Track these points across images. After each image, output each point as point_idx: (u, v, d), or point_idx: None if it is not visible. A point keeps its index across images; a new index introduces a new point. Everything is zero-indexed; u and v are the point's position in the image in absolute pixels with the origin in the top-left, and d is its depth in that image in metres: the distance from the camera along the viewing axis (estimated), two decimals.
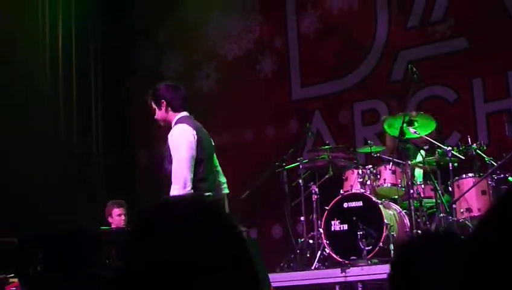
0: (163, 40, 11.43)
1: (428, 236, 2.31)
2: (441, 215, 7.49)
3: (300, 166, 8.35)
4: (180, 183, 5.89)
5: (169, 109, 6.29)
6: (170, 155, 6.06)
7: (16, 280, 6.98)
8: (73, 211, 9.12)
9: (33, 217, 8.62)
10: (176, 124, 6.21)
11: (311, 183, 8.27)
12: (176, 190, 5.87)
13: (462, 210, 7.54)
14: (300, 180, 8.31)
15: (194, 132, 6.10)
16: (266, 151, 10.07)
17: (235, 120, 10.55)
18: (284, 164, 8.60)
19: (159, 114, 6.31)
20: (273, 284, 6.85)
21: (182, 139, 6.06)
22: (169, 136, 6.13)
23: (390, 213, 7.59)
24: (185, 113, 6.30)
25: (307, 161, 8.47)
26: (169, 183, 5.96)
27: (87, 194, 9.91)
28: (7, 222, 8.12)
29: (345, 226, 7.56)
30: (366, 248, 7.22)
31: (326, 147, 8.47)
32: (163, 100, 6.28)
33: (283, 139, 9.94)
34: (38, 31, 10.15)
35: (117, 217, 8.64)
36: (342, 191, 7.84)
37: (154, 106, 6.32)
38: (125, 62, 11.52)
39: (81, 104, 10.53)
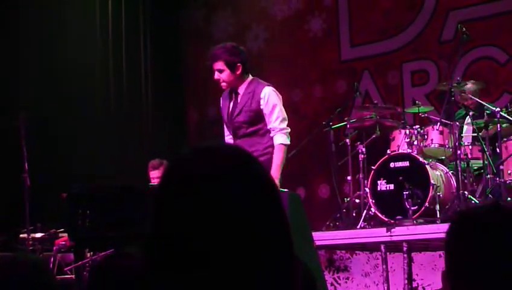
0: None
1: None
2: (488, 176, 7.47)
3: (348, 125, 8.32)
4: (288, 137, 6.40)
5: (242, 72, 6.19)
6: (255, 114, 6.19)
7: (65, 234, 7.19)
8: (122, 169, 9.25)
9: (82, 174, 8.77)
10: (255, 85, 6.26)
11: (358, 142, 8.27)
12: (284, 141, 6.37)
13: (509, 171, 7.47)
14: (347, 140, 8.29)
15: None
16: (314, 111, 10.10)
17: (284, 80, 10.55)
18: (331, 124, 8.58)
19: (231, 77, 6.14)
20: (319, 243, 6.91)
21: (279, 99, 6.28)
22: (264, 96, 6.19)
23: (437, 174, 7.58)
24: (252, 76, 6.33)
25: (354, 120, 8.42)
26: (253, 142, 6.21)
27: (135, 152, 10.01)
28: (58, 179, 8.31)
29: (391, 186, 7.56)
30: (412, 208, 7.23)
31: (374, 106, 8.44)
32: (239, 64, 6.15)
33: (331, 99, 9.94)
34: None
35: (155, 180, 8.05)
36: (388, 151, 7.82)
37: (225, 67, 6.12)
38: (174, 21, 11.57)
39: (131, 64, 10.63)
